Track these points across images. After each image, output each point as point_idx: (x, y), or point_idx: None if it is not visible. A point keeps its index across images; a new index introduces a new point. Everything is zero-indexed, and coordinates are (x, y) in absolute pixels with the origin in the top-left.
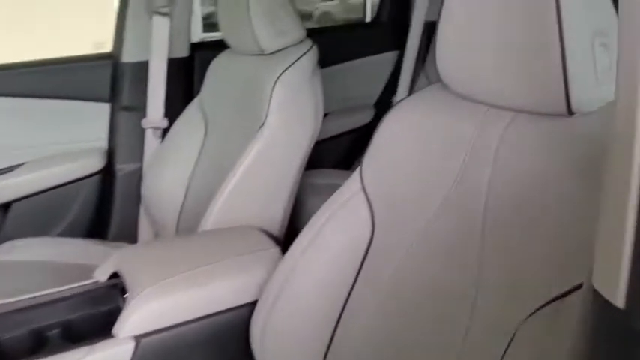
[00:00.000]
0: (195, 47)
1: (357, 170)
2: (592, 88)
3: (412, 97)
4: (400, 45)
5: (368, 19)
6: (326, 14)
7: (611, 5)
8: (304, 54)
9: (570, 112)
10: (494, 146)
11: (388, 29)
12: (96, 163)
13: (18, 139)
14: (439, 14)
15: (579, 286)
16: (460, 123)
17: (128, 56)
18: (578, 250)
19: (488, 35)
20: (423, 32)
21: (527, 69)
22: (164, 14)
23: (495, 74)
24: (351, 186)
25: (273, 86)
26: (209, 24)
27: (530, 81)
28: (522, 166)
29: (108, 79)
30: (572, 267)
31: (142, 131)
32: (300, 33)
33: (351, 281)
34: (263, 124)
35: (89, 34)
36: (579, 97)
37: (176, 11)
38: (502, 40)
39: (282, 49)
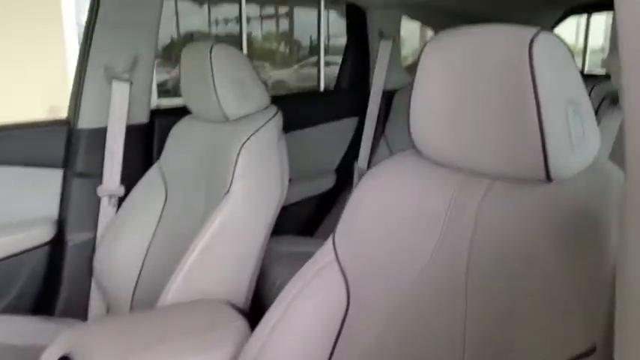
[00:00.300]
0: (155, 113)
1: (330, 239)
2: (568, 155)
3: (384, 164)
4: (360, 112)
5: (322, 88)
6: (280, 82)
7: (578, 74)
8: (269, 120)
9: (549, 178)
10: (472, 215)
11: (349, 97)
12: (45, 233)
13: None
14: (413, 83)
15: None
16: (436, 192)
17: (84, 122)
18: (563, 320)
19: (464, 103)
20: (382, 100)
21: (505, 136)
22: (124, 80)
23: (472, 141)
24: (324, 256)
25: (239, 153)
26: (164, 91)
27: (508, 148)
28: (503, 235)
29: (62, 145)
30: (559, 338)
31: (97, 199)
32: (265, 99)
33: (326, 356)
34: (228, 192)
35: (43, 98)
36: (557, 163)
37: (137, 77)
38: (478, 107)
39: (247, 115)
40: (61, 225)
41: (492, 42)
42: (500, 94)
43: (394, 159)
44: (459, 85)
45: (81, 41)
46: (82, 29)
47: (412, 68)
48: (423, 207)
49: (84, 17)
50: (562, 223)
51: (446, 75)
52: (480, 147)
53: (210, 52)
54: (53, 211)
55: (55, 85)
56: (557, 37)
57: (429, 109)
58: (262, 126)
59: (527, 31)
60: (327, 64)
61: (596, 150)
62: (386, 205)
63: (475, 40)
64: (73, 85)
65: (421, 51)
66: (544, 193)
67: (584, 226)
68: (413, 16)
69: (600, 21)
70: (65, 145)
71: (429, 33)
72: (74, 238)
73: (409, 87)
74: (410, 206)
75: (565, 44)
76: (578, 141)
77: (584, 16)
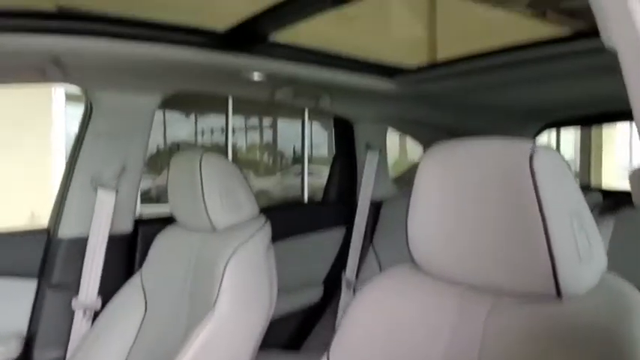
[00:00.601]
0: (139, 222)
1: (325, 356)
2: (578, 268)
3: (379, 279)
4: (348, 222)
5: (306, 199)
6: (263, 192)
7: (578, 187)
8: (259, 229)
9: (559, 294)
10: (478, 334)
11: (336, 208)
12: (10, 350)
13: None
14: (410, 197)
15: None
16: (437, 309)
17: (65, 231)
18: None
19: (464, 216)
20: (370, 210)
21: (510, 250)
22: (111, 188)
23: (475, 255)
24: None
25: (226, 265)
26: (148, 198)
27: (513, 262)
28: (512, 352)
29: (39, 254)
30: None
31: (71, 313)
32: (254, 209)
33: None
34: (213, 306)
35: (26, 207)
36: (567, 277)
37: (123, 185)
38: (479, 221)
39: (235, 224)
40: (29, 341)
41: (491, 156)
42: (502, 208)
43: (389, 273)
44: (459, 198)
45: (69, 150)
46: (70, 138)
47: (398, 180)
48: (424, 325)
49: (72, 127)
50: (577, 343)
51: (445, 187)
52: (483, 261)
53: (200, 161)
54: (22, 326)
55: (39, 194)
56: (555, 150)
57: (427, 221)
58: (251, 236)
59: (526, 145)
60: (309, 173)
61: (604, 264)
62: (384, 324)
63: (473, 153)
64: (58, 194)
65: (409, 164)
66: (555, 310)
67: (605, 347)
68: (398, 129)
69: (569, 135)
70: (43, 255)
71: (410, 143)
72: (43, 355)
73: (397, 198)
74: (410, 325)
75: (563, 158)
76: (585, 254)
77: (554, 131)
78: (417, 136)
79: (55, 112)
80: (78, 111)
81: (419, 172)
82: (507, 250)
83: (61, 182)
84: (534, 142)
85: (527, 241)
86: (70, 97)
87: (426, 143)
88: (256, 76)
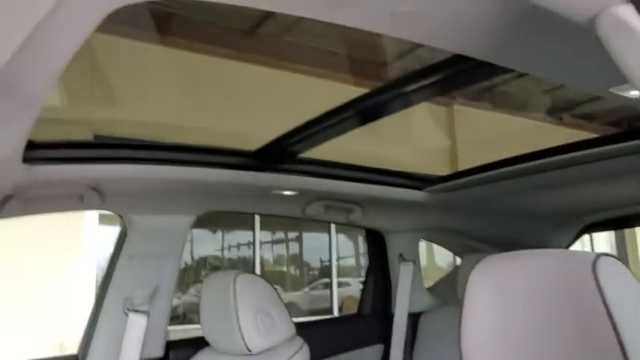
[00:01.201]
0: (171, 345)
1: None
2: None
3: None
4: (385, 337)
5: (335, 311)
6: (291, 304)
7: None
8: (295, 353)
9: None
10: None
11: (372, 322)
12: None
13: None
14: (453, 308)
15: None
16: None
17: (94, 358)
18: None
19: (523, 329)
20: (408, 324)
21: None
22: (142, 312)
23: None
24: None
25: None
26: (174, 317)
27: None
28: None
29: None
30: None
31: None
32: (290, 329)
33: None
34: None
35: (52, 333)
36: None
37: (155, 308)
38: (542, 333)
39: (272, 347)
40: None
41: (550, 267)
42: (567, 319)
43: None
44: (516, 310)
45: (100, 275)
46: (98, 263)
47: (433, 290)
48: None
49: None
50: None
51: (500, 300)
52: None
53: (234, 282)
54: None
55: (67, 322)
56: (615, 257)
57: (485, 337)
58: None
59: (586, 256)
60: (338, 284)
61: None
62: None
63: (530, 266)
64: (88, 320)
65: (453, 273)
66: None
67: None
68: (431, 239)
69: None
70: None
71: (439, 251)
72: None
73: (436, 310)
74: None
75: (623, 264)
76: None
77: None
78: (450, 246)
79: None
80: (111, 231)
81: (470, 286)
82: None
83: (93, 308)
84: (597, 253)
85: (598, 350)
86: (102, 218)
87: (460, 252)
88: (287, 193)
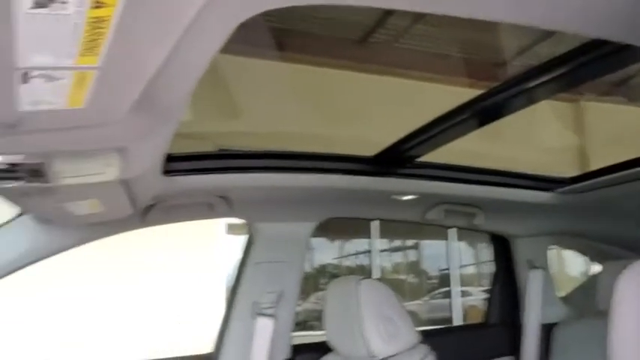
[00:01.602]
0: (296, 349)
1: None
2: None
3: None
4: (513, 348)
5: (456, 321)
6: (410, 313)
7: None
8: None
9: None
10: None
11: (499, 331)
12: None
13: None
14: (607, 323)
15: None
16: None
17: (226, 357)
18: None
19: None
20: (540, 336)
21: None
22: (269, 316)
23: None
24: None
25: None
26: (296, 323)
27: None
28: None
29: None
30: None
31: None
32: (415, 337)
33: None
34: None
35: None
36: None
37: (280, 313)
38: None
39: (395, 354)
40: None
41: None
42: None
43: None
44: None
45: (231, 281)
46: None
47: (567, 299)
48: None
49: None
50: None
51: None
52: None
53: (358, 287)
54: None
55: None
56: None
57: (633, 348)
58: None
59: None
60: (461, 294)
61: None
62: None
63: None
64: (221, 322)
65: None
66: None
67: None
68: (561, 245)
69: None
70: None
71: (569, 259)
72: None
73: (572, 321)
74: None
75: None
76: None
77: None
78: (583, 251)
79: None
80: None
81: (617, 296)
82: None
83: (225, 311)
84: None
85: None
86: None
87: (595, 258)
88: (406, 198)
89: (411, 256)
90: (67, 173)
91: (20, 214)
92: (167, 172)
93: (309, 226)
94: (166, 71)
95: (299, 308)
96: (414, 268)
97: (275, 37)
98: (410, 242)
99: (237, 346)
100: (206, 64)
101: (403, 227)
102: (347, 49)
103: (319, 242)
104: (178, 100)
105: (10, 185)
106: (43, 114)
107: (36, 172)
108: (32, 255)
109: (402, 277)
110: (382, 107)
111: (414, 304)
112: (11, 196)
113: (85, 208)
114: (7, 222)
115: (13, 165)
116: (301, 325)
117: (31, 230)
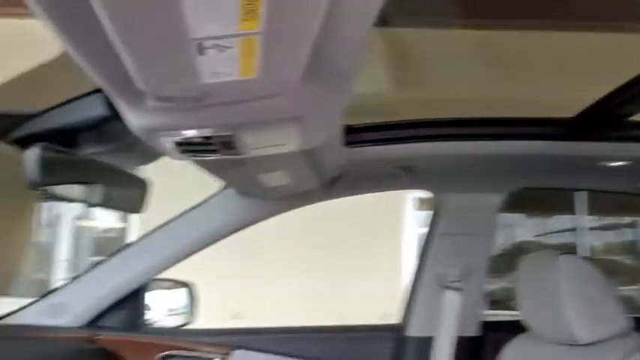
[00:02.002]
0: (487, 326)
1: None
2: None
3: None
4: None
5: None
6: (624, 299)
7: None
8: (633, 353)
9: None
10: None
11: None
12: None
13: None
14: None
15: None
16: None
17: (414, 330)
18: None
19: None
20: None
21: None
22: (456, 289)
23: None
24: None
25: None
26: (490, 302)
27: None
28: None
29: (389, 350)
30: None
31: None
32: (626, 323)
33: None
34: None
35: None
36: None
37: (468, 286)
38: None
39: (601, 340)
40: None
41: None
42: None
43: None
44: None
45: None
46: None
47: None
48: None
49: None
50: None
51: None
52: None
53: (557, 262)
54: None
55: (387, 293)
56: None
57: None
58: (627, 357)
59: None
60: None
61: None
62: None
63: None
64: (408, 293)
65: None
66: None
67: None
68: None
69: None
70: (393, 351)
71: None
72: None
73: None
74: None
75: None
76: None
77: None
78: None
79: (406, 214)
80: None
81: None
82: None
83: (410, 283)
84: None
85: None
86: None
87: None
88: (616, 164)
89: (628, 235)
90: (254, 145)
91: (223, 188)
92: (349, 143)
93: (499, 197)
94: (331, 32)
95: (495, 286)
96: (631, 248)
97: (456, 3)
98: (626, 220)
99: (424, 318)
100: (371, 21)
101: (616, 200)
102: (539, 9)
103: (517, 218)
104: (349, 65)
105: (208, 158)
106: (222, 86)
107: (227, 145)
108: (233, 225)
109: (616, 258)
110: (581, 66)
111: (630, 290)
112: (213, 170)
113: (274, 180)
114: (212, 195)
115: (207, 138)
116: (499, 304)
117: (232, 202)
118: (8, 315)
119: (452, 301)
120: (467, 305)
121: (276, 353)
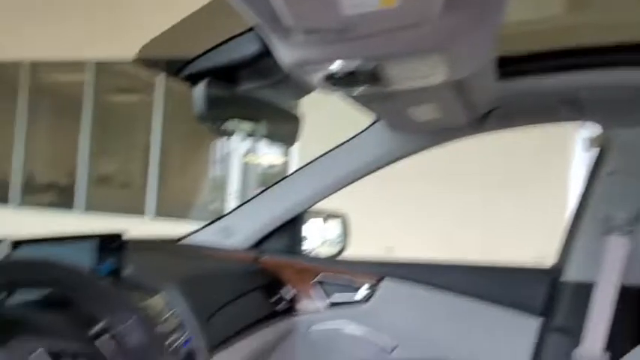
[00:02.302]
0: None
1: None
2: None
3: None
4: None
5: None
6: None
7: None
8: None
9: None
10: None
11: None
12: None
13: (438, 333)
14: None
15: None
16: None
17: (571, 274)
18: None
19: None
20: None
21: None
22: (623, 234)
23: None
24: None
25: None
26: None
27: None
28: None
29: (542, 294)
30: None
31: None
32: None
33: None
34: None
35: (530, 245)
36: None
37: (637, 232)
38: None
39: None
40: None
41: None
42: None
43: None
44: None
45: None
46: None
47: None
48: None
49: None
50: None
51: None
52: None
53: None
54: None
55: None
56: None
57: None
58: None
59: None
60: None
61: None
62: None
63: None
64: (566, 235)
65: None
66: None
67: None
68: None
69: None
70: (547, 295)
71: None
72: None
73: None
74: None
75: None
76: None
77: None
78: None
79: (574, 151)
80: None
81: None
82: None
83: (569, 224)
84: None
85: None
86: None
87: None
88: None
89: None
90: (399, 77)
91: (374, 122)
92: (503, 75)
93: None
94: None
95: None
96: None
97: None
98: None
99: (584, 263)
100: None
101: None
102: None
103: None
104: None
105: (357, 90)
106: (364, 17)
107: (374, 77)
108: (385, 159)
109: None
110: None
111: None
112: (364, 102)
113: (424, 113)
114: (364, 130)
115: (353, 71)
116: None
117: (384, 136)
118: (188, 235)
119: (618, 246)
120: (636, 251)
121: (424, 284)
